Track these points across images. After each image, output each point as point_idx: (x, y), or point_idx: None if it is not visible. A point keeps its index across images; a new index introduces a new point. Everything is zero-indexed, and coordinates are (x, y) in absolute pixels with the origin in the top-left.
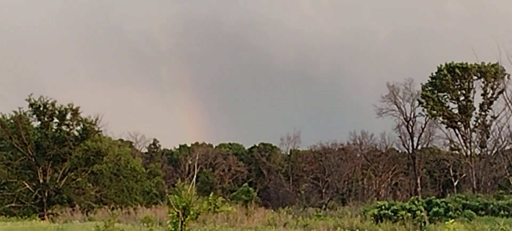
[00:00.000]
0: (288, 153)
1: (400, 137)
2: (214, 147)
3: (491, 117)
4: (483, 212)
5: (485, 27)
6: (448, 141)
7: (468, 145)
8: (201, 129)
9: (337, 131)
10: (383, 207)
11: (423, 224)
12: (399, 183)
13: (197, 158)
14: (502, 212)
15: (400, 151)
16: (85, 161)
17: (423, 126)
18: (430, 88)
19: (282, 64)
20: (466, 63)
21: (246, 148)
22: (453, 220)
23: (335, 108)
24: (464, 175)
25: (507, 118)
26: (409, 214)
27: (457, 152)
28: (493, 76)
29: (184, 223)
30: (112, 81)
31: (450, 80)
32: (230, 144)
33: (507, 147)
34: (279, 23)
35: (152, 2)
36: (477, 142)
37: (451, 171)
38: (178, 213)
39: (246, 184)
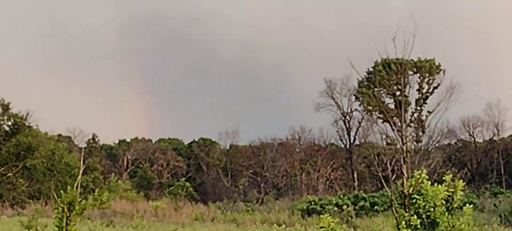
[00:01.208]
0: (227, 148)
1: (337, 131)
2: (153, 142)
3: (427, 111)
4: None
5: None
6: (384, 136)
7: (403, 139)
8: (142, 124)
9: (277, 126)
10: (312, 202)
11: (349, 218)
12: (338, 178)
13: (131, 152)
14: None
15: (338, 146)
16: (16, 156)
17: (359, 121)
18: (366, 83)
19: (226, 59)
20: (402, 59)
21: (186, 143)
22: (376, 213)
23: (276, 104)
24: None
25: (441, 113)
26: (336, 208)
27: (393, 146)
28: (428, 71)
29: (69, 218)
30: (53, 76)
31: (385, 76)
32: (169, 139)
33: (443, 142)
34: (224, 18)
35: None
36: (413, 136)
37: (388, 165)
38: (63, 208)
39: (182, 179)
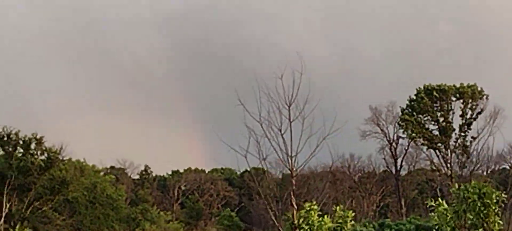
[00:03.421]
0: (280, 177)
1: (384, 159)
2: (206, 172)
3: (472, 137)
4: None
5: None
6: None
7: (448, 165)
8: (196, 154)
9: (325, 153)
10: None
11: None
12: (390, 204)
13: (183, 182)
14: None
15: (389, 172)
16: (50, 190)
17: (406, 148)
18: (409, 110)
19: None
20: (444, 85)
21: (239, 173)
22: None
23: (324, 130)
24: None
25: (485, 139)
26: None
27: (438, 172)
28: (471, 97)
29: None
30: (102, 108)
31: (428, 103)
32: (222, 168)
33: (492, 166)
34: (274, 45)
35: (142, 26)
36: (457, 162)
37: (438, 191)
38: None
39: (227, 209)
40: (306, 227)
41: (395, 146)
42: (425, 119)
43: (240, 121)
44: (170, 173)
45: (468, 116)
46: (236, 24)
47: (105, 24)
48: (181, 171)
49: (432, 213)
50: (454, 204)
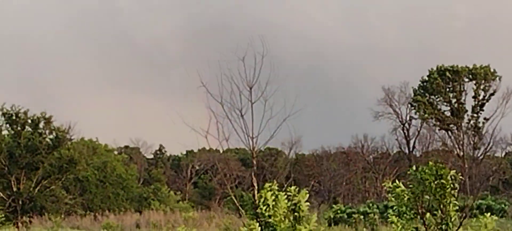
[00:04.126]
0: (294, 157)
1: (397, 139)
2: (221, 152)
3: (484, 118)
4: None
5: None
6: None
7: (460, 147)
8: (212, 134)
9: (339, 134)
10: (338, 211)
11: (375, 226)
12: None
13: (196, 162)
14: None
15: (404, 153)
16: (58, 169)
17: (418, 129)
18: (421, 91)
19: (290, 68)
20: (457, 66)
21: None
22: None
23: (339, 112)
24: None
25: (498, 120)
26: (362, 217)
27: (450, 153)
28: (484, 78)
29: None
30: (120, 87)
31: (441, 83)
32: (237, 149)
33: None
34: (287, 28)
35: (160, 8)
36: (470, 144)
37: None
38: None
39: (239, 189)
40: (263, 207)
41: (408, 127)
42: (438, 99)
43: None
44: (184, 153)
45: (481, 97)
46: (253, 8)
47: (121, 2)
48: (195, 150)
49: (389, 195)
50: (411, 186)
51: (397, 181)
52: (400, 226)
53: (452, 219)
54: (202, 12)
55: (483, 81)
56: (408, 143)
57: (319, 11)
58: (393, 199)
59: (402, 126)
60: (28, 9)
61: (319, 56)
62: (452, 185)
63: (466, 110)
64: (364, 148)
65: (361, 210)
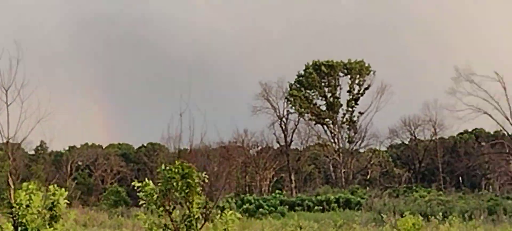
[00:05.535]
0: (174, 152)
1: (274, 134)
2: (103, 147)
3: (358, 113)
4: (299, 208)
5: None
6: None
7: (336, 140)
8: (95, 129)
9: (222, 128)
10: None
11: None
12: (285, 179)
13: (76, 158)
14: (316, 207)
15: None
16: None
17: (296, 123)
18: (297, 86)
19: (178, 60)
20: (332, 61)
21: (136, 148)
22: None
23: (221, 106)
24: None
25: (373, 114)
26: (220, 211)
27: (325, 147)
28: (359, 73)
29: None
30: None
31: (316, 78)
32: (119, 144)
33: (386, 142)
34: (175, 18)
35: (43, 2)
36: (345, 137)
37: (331, 166)
38: None
39: (115, 184)
40: (17, 206)
41: (285, 122)
42: (313, 94)
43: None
44: (67, 148)
45: (356, 92)
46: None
47: None
48: (78, 146)
49: (140, 193)
50: (160, 184)
51: (147, 180)
52: (149, 223)
53: (196, 216)
54: (87, 3)
55: (358, 76)
56: (285, 137)
57: (204, 2)
58: (143, 197)
59: (279, 120)
60: None
61: (206, 48)
62: (198, 184)
63: (341, 105)
64: (245, 142)
65: (221, 204)
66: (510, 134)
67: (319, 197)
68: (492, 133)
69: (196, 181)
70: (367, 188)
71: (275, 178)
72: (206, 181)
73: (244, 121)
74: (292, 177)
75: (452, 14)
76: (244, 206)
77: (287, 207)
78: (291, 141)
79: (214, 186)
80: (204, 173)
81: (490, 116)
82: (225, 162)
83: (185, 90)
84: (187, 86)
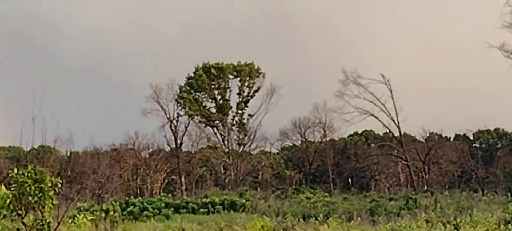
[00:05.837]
0: (65, 155)
1: (164, 136)
2: None
3: (248, 115)
4: (184, 210)
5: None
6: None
7: (225, 142)
8: None
9: (114, 131)
10: (81, 208)
11: (115, 223)
12: (176, 181)
13: None
14: (201, 210)
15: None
16: None
17: (186, 126)
18: (187, 88)
19: (68, 61)
20: (222, 63)
21: (27, 151)
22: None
23: (115, 108)
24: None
25: (262, 116)
26: (104, 214)
27: (214, 150)
28: (248, 75)
29: None
30: None
31: (206, 80)
32: (9, 147)
33: (278, 144)
34: (67, 18)
35: None
36: (235, 139)
37: (222, 168)
38: None
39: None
40: None
41: (175, 124)
42: (203, 96)
43: None
44: None
45: (245, 94)
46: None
47: None
48: None
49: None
50: (13, 188)
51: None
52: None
53: (48, 220)
54: None
55: (247, 78)
56: (176, 140)
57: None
58: None
59: (170, 122)
60: None
61: (97, 49)
62: (51, 188)
63: (231, 107)
64: (136, 144)
65: (105, 207)
66: (396, 136)
67: (204, 200)
68: (381, 134)
69: (49, 185)
70: (258, 190)
71: (166, 180)
72: (59, 185)
73: (135, 123)
74: (183, 179)
75: (341, 16)
76: (128, 209)
77: (173, 209)
78: (181, 143)
79: (104, 189)
80: (94, 175)
81: (376, 118)
82: (116, 164)
83: (38, 94)
84: (40, 89)
